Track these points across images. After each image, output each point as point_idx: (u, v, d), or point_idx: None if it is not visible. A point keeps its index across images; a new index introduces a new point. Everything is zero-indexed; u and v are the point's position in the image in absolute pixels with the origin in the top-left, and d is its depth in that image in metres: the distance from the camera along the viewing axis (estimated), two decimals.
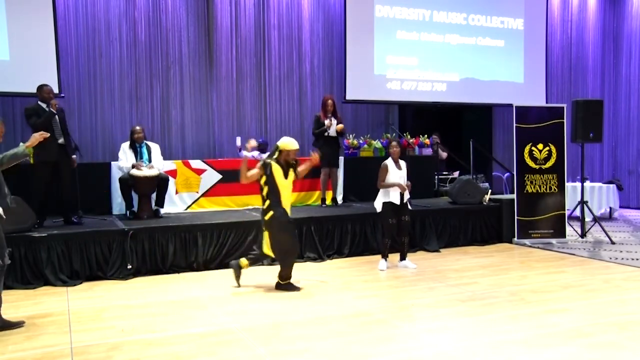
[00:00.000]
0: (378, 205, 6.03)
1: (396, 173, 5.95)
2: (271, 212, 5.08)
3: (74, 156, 6.42)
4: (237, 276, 5.34)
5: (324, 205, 7.71)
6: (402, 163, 6.08)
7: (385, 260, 6.09)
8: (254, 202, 7.81)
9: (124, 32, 8.39)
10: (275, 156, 5.21)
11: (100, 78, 8.28)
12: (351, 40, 9.26)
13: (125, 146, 6.86)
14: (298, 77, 9.50)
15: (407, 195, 6.07)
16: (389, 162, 5.99)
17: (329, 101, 7.55)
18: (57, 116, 6.14)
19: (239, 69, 9.11)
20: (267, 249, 5.18)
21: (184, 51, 8.74)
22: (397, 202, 5.96)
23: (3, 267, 4.02)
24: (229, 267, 5.49)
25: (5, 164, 4.03)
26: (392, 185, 5.91)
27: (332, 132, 7.52)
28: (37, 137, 4.30)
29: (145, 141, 6.91)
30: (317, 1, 9.60)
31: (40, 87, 6.20)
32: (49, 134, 4.52)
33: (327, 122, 7.43)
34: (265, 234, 5.17)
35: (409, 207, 6.13)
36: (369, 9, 9.42)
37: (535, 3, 10.75)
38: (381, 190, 6.01)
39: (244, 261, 5.35)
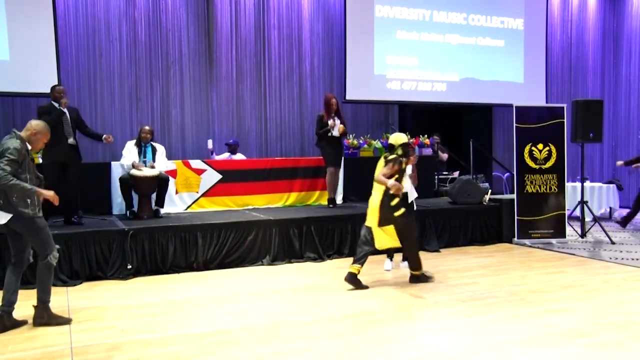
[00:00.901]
0: None
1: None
2: (403, 209, 5.16)
3: None
4: (359, 284, 5.19)
5: (331, 206, 7.64)
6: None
7: (391, 260, 6.06)
8: (254, 202, 7.82)
9: (124, 32, 8.40)
10: (399, 152, 5.24)
11: (100, 78, 8.29)
12: (351, 40, 9.26)
13: (130, 144, 6.88)
14: (298, 77, 9.51)
15: (413, 196, 5.96)
16: None
17: (333, 100, 7.43)
18: (68, 115, 6.22)
19: (239, 69, 9.11)
20: (386, 243, 5.28)
21: (184, 51, 8.75)
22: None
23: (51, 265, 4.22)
24: (347, 282, 5.18)
25: (14, 192, 3.98)
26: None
27: (335, 132, 7.43)
28: (48, 195, 4.12)
29: (151, 142, 6.92)
30: (317, 1, 9.60)
31: (53, 87, 6.30)
32: (57, 203, 4.25)
33: (330, 122, 7.37)
34: (389, 228, 5.21)
35: (414, 207, 6.01)
36: (369, 9, 9.42)
37: (535, 3, 10.75)
38: None
39: (355, 268, 5.20)
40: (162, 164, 6.95)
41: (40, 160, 6.75)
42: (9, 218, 4.02)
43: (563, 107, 7.69)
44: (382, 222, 5.21)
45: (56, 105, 6.16)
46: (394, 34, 9.63)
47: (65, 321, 4.27)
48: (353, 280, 5.18)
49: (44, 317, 4.22)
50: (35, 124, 4.23)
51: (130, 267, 5.77)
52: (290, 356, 3.57)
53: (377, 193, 5.29)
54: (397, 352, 3.61)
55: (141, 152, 6.80)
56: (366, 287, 5.20)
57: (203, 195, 7.59)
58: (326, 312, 4.50)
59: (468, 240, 7.47)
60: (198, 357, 3.57)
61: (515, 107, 7.64)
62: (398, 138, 5.38)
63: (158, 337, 3.94)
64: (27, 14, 7.40)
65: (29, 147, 4.18)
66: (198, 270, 6.03)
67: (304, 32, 9.53)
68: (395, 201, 5.14)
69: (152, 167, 6.73)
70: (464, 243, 7.42)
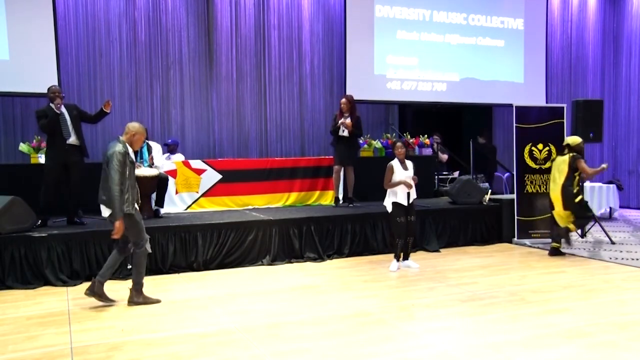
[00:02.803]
0: (388, 205, 5.98)
1: (402, 173, 5.91)
2: (581, 196, 6.54)
3: None
4: (568, 240, 6.65)
5: (335, 206, 7.61)
6: (409, 163, 6.03)
7: (398, 261, 6.03)
8: (254, 202, 7.82)
9: (124, 32, 8.40)
10: (566, 150, 6.65)
11: (100, 78, 8.28)
12: (351, 40, 9.26)
13: None
14: (298, 77, 9.51)
15: (413, 195, 6.00)
16: (395, 162, 5.96)
17: (343, 100, 7.49)
18: (67, 115, 6.11)
19: (239, 69, 9.11)
20: (563, 223, 6.57)
21: (184, 51, 8.75)
22: (405, 202, 5.92)
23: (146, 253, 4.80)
24: (559, 236, 6.63)
25: (113, 200, 4.52)
26: (398, 183, 5.89)
27: (344, 132, 7.41)
28: (119, 231, 4.60)
29: (146, 141, 6.90)
30: (317, 1, 9.60)
31: (49, 88, 6.20)
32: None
33: (340, 120, 7.39)
34: (566, 212, 6.51)
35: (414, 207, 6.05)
36: (369, 9, 9.42)
37: (535, 3, 10.75)
38: (389, 191, 5.98)
39: (555, 244, 6.67)
40: (160, 161, 6.94)
41: (42, 161, 6.74)
42: (109, 213, 4.56)
43: (563, 107, 7.69)
44: (565, 207, 6.49)
45: (53, 106, 6.05)
46: (394, 34, 9.63)
47: (156, 301, 4.78)
48: (555, 253, 6.63)
49: (138, 298, 4.75)
50: (132, 125, 4.67)
51: (130, 267, 5.75)
52: (290, 356, 3.57)
53: (558, 182, 6.55)
54: (397, 352, 3.61)
55: (137, 153, 6.78)
56: (564, 254, 6.60)
57: (203, 195, 7.59)
58: (326, 312, 4.50)
59: (468, 240, 7.48)
60: (198, 357, 3.57)
61: (515, 107, 7.65)
62: (567, 139, 6.79)
63: (158, 337, 3.94)
64: (27, 13, 7.41)
65: (130, 149, 4.62)
66: (198, 270, 6.03)
67: (304, 32, 9.53)
68: (577, 189, 6.44)
69: (152, 161, 6.70)
70: (464, 243, 7.42)
